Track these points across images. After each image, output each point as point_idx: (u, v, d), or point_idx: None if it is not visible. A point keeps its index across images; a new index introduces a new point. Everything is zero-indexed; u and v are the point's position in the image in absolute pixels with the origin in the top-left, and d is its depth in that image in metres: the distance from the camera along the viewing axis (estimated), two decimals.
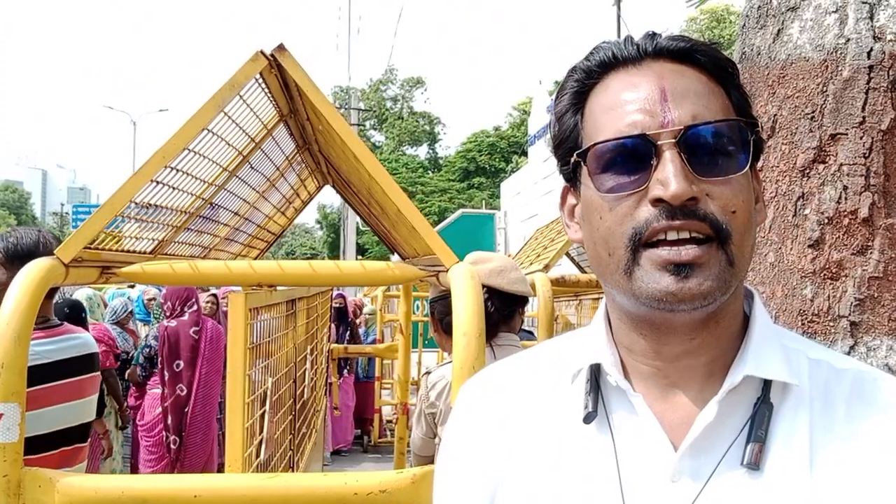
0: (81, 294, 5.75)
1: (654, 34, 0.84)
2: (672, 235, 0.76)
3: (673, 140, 0.76)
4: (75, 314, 4.77)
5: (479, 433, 0.91)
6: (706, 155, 0.77)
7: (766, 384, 0.81)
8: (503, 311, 2.64)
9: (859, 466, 0.77)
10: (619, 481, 0.80)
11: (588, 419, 0.84)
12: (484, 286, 2.55)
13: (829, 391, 0.82)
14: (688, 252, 0.75)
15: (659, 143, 0.77)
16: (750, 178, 0.81)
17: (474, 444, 0.91)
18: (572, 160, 0.85)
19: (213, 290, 6.43)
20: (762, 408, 0.80)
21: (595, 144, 0.81)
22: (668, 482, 0.79)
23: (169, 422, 5.10)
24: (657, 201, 0.76)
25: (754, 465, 0.77)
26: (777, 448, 0.79)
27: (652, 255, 0.77)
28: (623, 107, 0.80)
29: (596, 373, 0.86)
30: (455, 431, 0.95)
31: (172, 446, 5.12)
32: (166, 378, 5.10)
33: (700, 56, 0.82)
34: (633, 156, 0.78)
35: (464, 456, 0.92)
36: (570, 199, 0.91)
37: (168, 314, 5.21)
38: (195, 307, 5.34)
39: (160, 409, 5.11)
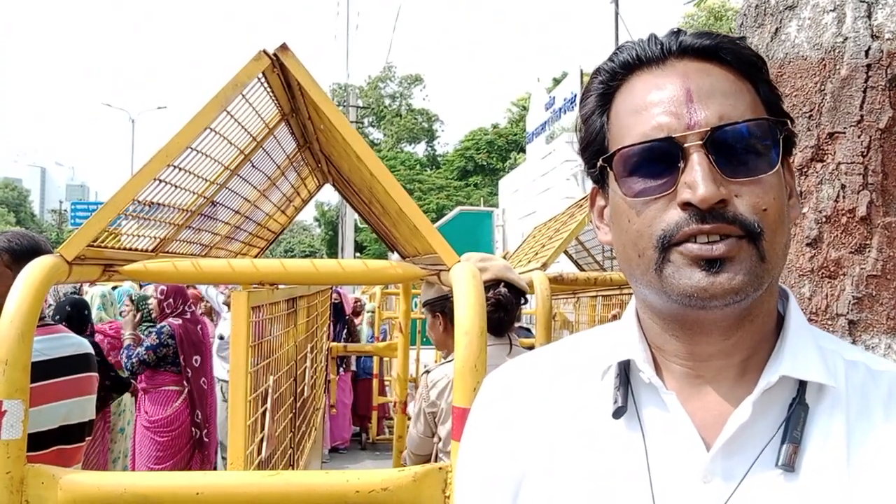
0: (95, 292, 5.75)
1: (679, 31, 0.83)
2: (702, 239, 0.75)
3: (700, 142, 0.76)
4: (78, 313, 4.78)
5: (503, 429, 0.90)
6: (734, 155, 0.76)
7: (802, 385, 0.80)
8: (518, 304, 2.72)
9: None
10: (648, 479, 0.79)
11: (618, 414, 0.83)
12: (501, 280, 2.64)
13: (866, 393, 0.81)
14: (718, 247, 0.74)
15: (686, 145, 0.76)
16: (781, 174, 0.80)
17: (498, 440, 0.90)
18: (599, 164, 0.84)
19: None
20: (798, 409, 0.78)
21: (621, 149, 0.80)
22: (699, 482, 0.78)
23: (198, 417, 5.13)
24: (686, 205, 0.75)
25: (789, 466, 0.76)
26: (813, 450, 0.77)
27: (683, 250, 0.76)
28: (648, 109, 0.79)
29: (626, 369, 0.85)
30: (477, 427, 0.94)
31: (206, 440, 5.16)
32: (189, 374, 5.11)
33: (726, 54, 0.81)
34: (660, 159, 0.77)
35: (487, 452, 0.91)
36: (599, 201, 0.90)
37: (169, 311, 5.21)
38: (192, 307, 5.38)
39: (177, 404, 5.10)
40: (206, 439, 5.19)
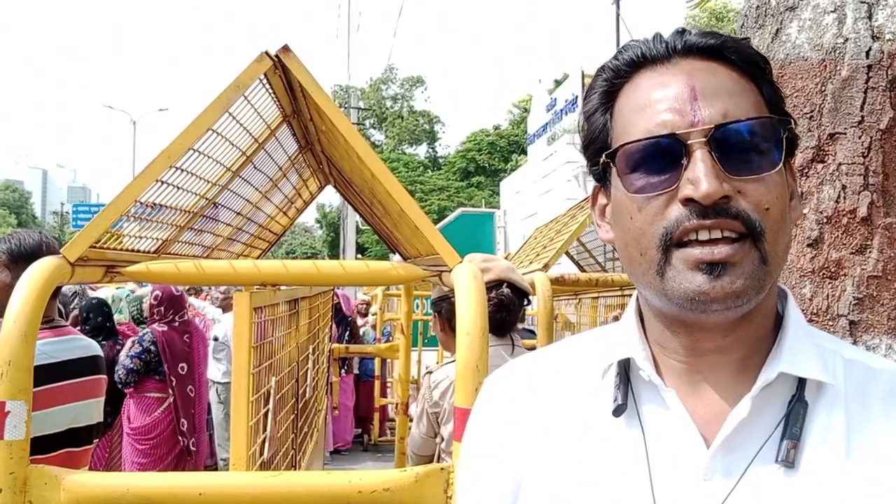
0: (105, 293, 5.74)
1: (684, 31, 0.83)
2: (704, 235, 0.75)
3: (703, 139, 0.76)
4: (106, 315, 4.84)
5: (505, 428, 0.90)
6: (738, 153, 0.77)
7: (801, 383, 0.80)
8: (520, 305, 2.72)
9: None
10: (649, 476, 0.80)
11: (618, 412, 0.83)
12: (504, 281, 2.65)
13: (864, 391, 0.81)
14: (720, 250, 0.75)
15: (689, 142, 0.76)
16: (784, 174, 0.80)
17: (498, 438, 0.90)
18: (601, 161, 0.85)
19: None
20: (797, 405, 0.79)
21: (624, 145, 0.81)
22: (699, 479, 0.78)
23: (184, 426, 5.04)
24: (688, 201, 0.75)
25: (789, 462, 0.76)
26: (812, 446, 0.78)
27: (684, 254, 0.76)
28: (653, 106, 0.79)
29: (626, 368, 0.86)
30: (478, 426, 0.94)
31: (193, 448, 5.08)
32: (174, 382, 5.04)
33: (730, 53, 0.81)
34: (663, 155, 0.78)
35: (488, 450, 0.91)
36: (601, 199, 0.91)
37: (158, 318, 5.16)
38: (185, 316, 5.34)
39: (158, 412, 5.05)
40: (193, 448, 5.11)
